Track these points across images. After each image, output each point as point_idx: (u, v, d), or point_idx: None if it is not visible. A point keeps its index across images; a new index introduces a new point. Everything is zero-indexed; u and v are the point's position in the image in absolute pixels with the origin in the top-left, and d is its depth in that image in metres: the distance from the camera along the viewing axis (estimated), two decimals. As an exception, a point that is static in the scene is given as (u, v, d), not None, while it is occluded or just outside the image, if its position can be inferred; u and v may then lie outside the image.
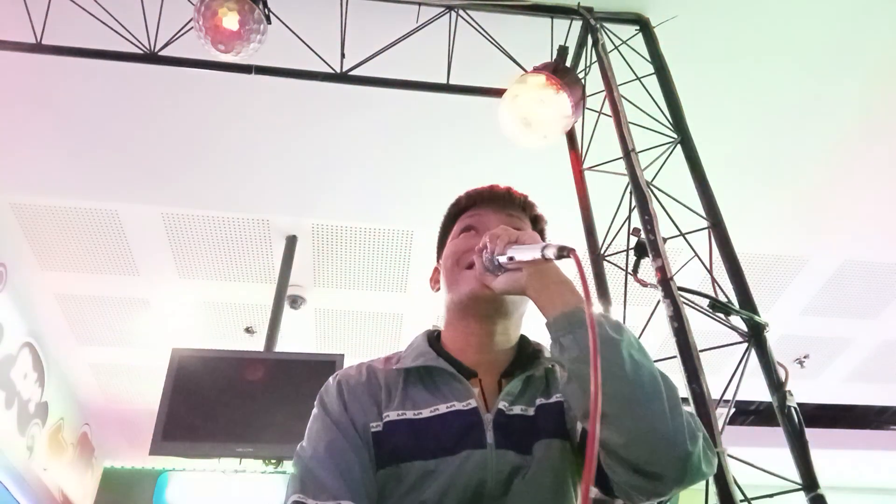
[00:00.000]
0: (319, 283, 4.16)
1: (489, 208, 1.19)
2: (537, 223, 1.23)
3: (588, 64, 2.72)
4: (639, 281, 2.09)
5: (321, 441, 1.00)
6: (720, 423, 1.68)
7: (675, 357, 1.80)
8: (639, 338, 0.96)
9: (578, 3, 2.71)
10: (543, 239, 1.15)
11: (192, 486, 4.23)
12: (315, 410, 1.07)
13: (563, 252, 0.86)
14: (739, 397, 1.91)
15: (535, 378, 1.09)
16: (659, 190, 2.28)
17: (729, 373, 1.92)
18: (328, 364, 3.31)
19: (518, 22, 2.74)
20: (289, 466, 1.13)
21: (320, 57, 2.68)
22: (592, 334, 0.73)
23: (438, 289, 1.21)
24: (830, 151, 3.42)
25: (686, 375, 1.74)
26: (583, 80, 2.64)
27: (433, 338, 1.17)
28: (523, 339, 1.17)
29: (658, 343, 3.66)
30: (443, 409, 1.01)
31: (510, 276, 0.99)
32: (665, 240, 2.06)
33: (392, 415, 1.02)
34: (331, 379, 1.11)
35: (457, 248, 1.15)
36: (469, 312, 1.11)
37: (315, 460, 0.98)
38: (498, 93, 2.67)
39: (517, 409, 1.04)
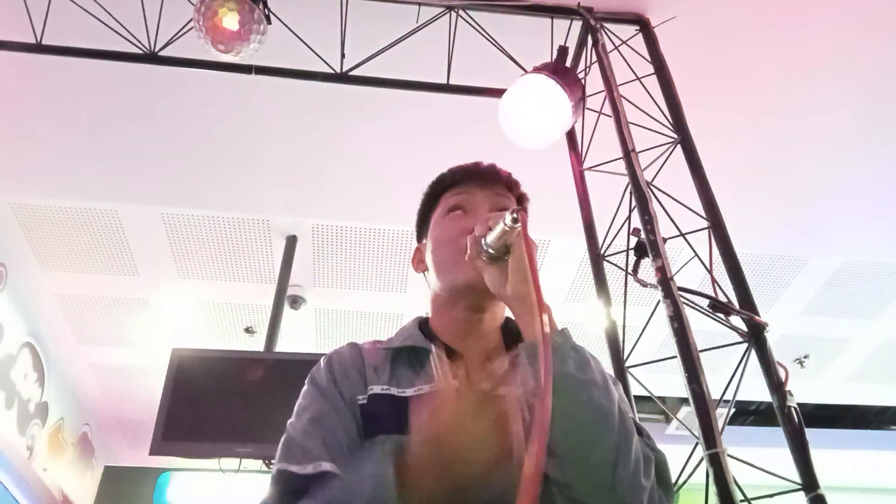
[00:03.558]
0: (319, 283, 4.16)
1: (475, 185, 1.19)
2: (522, 202, 1.24)
3: (588, 64, 2.72)
4: (639, 281, 2.09)
5: (307, 412, 1.02)
6: (720, 423, 1.68)
7: (675, 357, 1.80)
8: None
9: (578, 4, 2.71)
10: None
11: (192, 486, 4.24)
12: (305, 387, 1.09)
13: (515, 213, 0.92)
14: (739, 397, 1.91)
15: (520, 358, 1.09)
16: (659, 190, 2.28)
17: (729, 373, 1.92)
18: (328, 364, 3.30)
19: (518, 22, 2.74)
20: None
21: (320, 57, 2.68)
22: (545, 378, 0.70)
23: (425, 269, 1.21)
24: (831, 151, 3.42)
25: (686, 375, 1.74)
26: (583, 80, 2.64)
27: (423, 323, 1.18)
28: (509, 319, 1.16)
29: (658, 343, 3.67)
30: (426, 389, 1.02)
31: (496, 279, 0.99)
32: (665, 240, 2.05)
33: (376, 388, 1.03)
34: (322, 358, 1.13)
35: (449, 231, 1.14)
36: (460, 300, 1.11)
37: (299, 430, 0.99)
38: (498, 93, 2.66)
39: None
